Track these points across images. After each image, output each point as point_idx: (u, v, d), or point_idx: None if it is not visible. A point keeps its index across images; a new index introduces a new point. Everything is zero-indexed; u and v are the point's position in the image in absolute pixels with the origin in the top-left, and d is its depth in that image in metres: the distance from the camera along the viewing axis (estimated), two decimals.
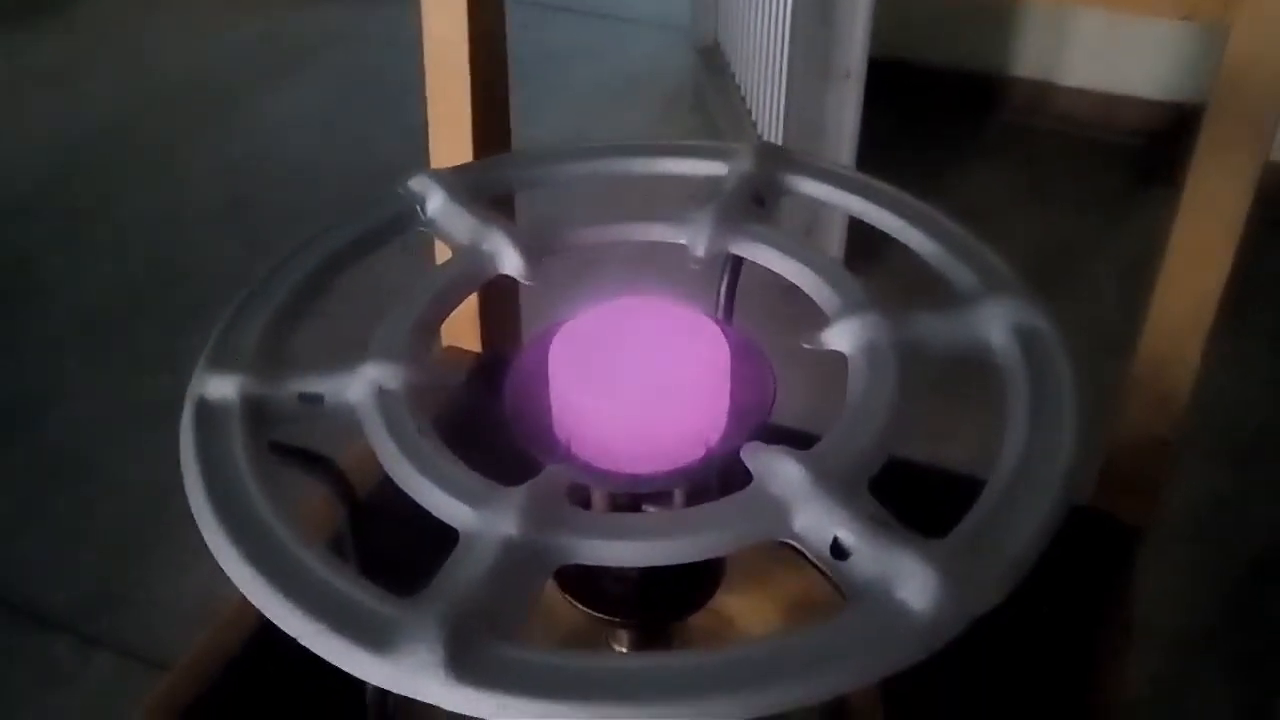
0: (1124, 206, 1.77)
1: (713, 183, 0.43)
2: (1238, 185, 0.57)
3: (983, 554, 0.28)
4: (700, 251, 0.40)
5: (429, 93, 0.68)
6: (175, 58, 2.26)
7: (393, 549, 0.34)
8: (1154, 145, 1.83)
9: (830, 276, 0.38)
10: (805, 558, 0.29)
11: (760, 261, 0.40)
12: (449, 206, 0.41)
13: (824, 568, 0.29)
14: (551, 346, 0.35)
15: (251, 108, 2.08)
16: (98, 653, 1.16)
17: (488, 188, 0.43)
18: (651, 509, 0.36)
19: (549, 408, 0.34)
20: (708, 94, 1.95)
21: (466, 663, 0.26)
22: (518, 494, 0.30)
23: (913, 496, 0.31)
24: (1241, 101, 0.56)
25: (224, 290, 0.38)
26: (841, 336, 0.35)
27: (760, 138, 1.63)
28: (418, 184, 0.42)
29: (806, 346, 0.36)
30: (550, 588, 0.35)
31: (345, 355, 0.35)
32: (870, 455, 0.31)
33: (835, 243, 1.54)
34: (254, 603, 0.28)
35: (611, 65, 2.21)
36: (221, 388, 0.34)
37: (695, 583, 0.39)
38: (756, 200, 0.42)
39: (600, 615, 0.38)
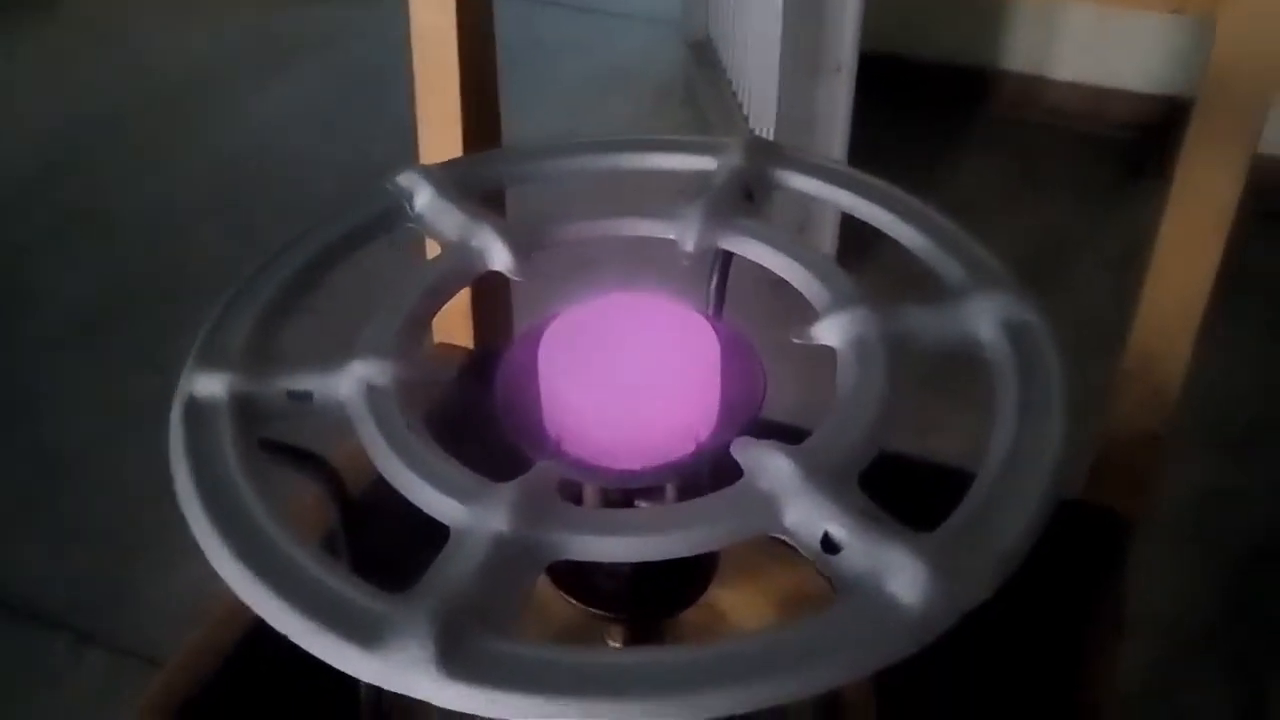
0: (1114, 199, 1.77)
1: (702, 178, 0.43)
2: (1227, 177, 0.57)
3: (973, 548, 0.28)
4: (690, 247, 0.40)
5: (418, 88, 0.68)
6: (167, 54, 2.25)
7: (385, 546, 0.34)
8: (1144, 138, 1.84)
9: (819, 271, 0.38)
10: (797, 552, 0.29)
11: (749, 256, 0.40)
12: (437, 202, 0.41)
13: (815, 562, 0.29)
14: (541, 342, 0.35)
15: (244, 104, 2.08)
16: (90, 650, 1.16)
17: (477, 183, 0.43)
18: (643, 504, 0.36)
19: (540, 403, 0.34)
20: (699, 88, 1.95)
21: (458, 658, 0.26)
22: (509, 490, 0.30)
23: (903, 490, 0.31)
24: (1230, 94, 0.56)
25: (217, 287, 0.38)
26: (831, 331, 0.35)
27: (751, 132, 1.63)
28: (406, 179, 0.42)
29: (796, 341, 0.36)
30: (543, 583, 0.35)
31: (334, 352, 0.34)
32: (860, 450, 0.31)
33: (828, 239, 1.54)
34: (245, 600, 0.28)
35: (602, 59, 2.21)
36: (210, 385, 0.34)
37: (687, 578, 0.39)
38: (746, 195, 0.42)
39: (593, 610, 0.38)
